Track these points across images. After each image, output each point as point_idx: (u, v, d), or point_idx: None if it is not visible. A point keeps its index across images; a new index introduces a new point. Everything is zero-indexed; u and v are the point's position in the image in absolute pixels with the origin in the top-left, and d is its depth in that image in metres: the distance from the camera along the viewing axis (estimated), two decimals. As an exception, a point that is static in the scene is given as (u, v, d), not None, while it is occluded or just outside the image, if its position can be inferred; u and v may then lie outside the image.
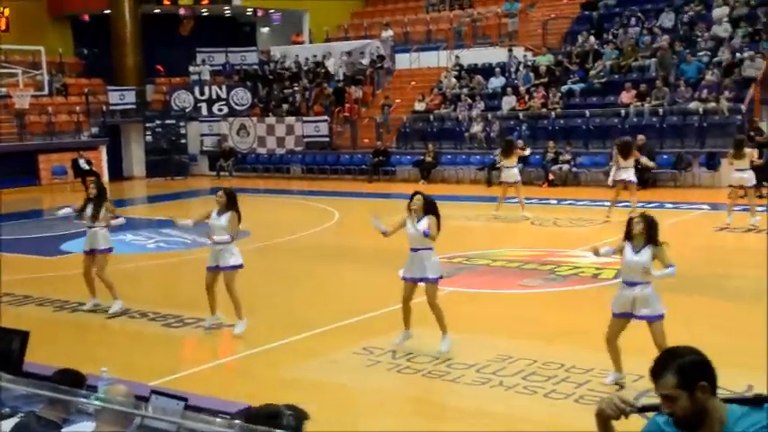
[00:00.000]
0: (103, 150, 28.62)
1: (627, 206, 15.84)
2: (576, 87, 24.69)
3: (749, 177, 14.92)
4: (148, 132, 29.71)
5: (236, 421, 3.43)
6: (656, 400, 3.01)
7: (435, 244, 8.75)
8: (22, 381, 3.74)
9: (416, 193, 8.91)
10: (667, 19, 25.61)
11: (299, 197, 23.53)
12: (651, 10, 26.57)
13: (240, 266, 9.59)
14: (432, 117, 26.46)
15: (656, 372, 2.94)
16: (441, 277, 8.75)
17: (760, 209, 16.46)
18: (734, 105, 21.18)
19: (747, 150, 15.05)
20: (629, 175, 16.14)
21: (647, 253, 7.29)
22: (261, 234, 15.67)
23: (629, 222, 7.49)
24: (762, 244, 14.32)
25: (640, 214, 7.59)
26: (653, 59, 23.93)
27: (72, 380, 4.21)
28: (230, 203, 9.66)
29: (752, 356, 7.97)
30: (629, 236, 7.42)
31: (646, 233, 7.30)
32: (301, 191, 24.88)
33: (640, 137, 21.01)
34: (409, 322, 8.78)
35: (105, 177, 27.84)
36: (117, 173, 29.29)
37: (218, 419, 3.49)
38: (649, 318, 7.34)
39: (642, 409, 3.01)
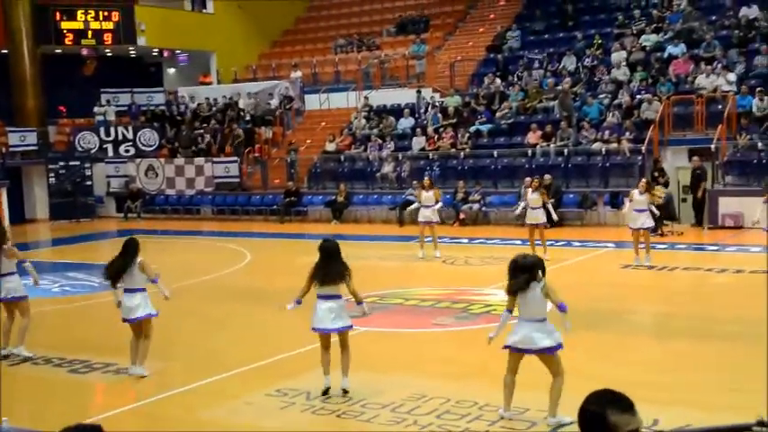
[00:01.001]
0: (3, 193, 27.62)
1: (537, 244, 16.23)
2: (484, 128, 25.26)
3: (646, 220, 15.36)
4: (52, 174, 28.94)
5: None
6: None
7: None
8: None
9: (327, 241, 8.83)
10: (569, 62, 26.56)
11: (210, 238, 23.24)
12: (554, 53, 27.53)
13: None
14: (342, 157, 26.61)
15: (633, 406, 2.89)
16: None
17: (661, 246, 17.11)
18: (635, 146, 22.03)
19: (648, 193, 15.59)
20: (539, 216, 16.42)
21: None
22: (171, 276, 15.32)
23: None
24: (660, 281, 14.86)
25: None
26: (556, 101, 24.73)
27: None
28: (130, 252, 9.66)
29: (659, 390, 8.21)
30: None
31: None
32: (212, 232, 24.58)
33: (547, 176, 21.63)
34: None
35: (6, 221, 26.90)
36: (18, 216, 28.31)
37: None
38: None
39: None
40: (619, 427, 2.83)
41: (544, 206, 16.42)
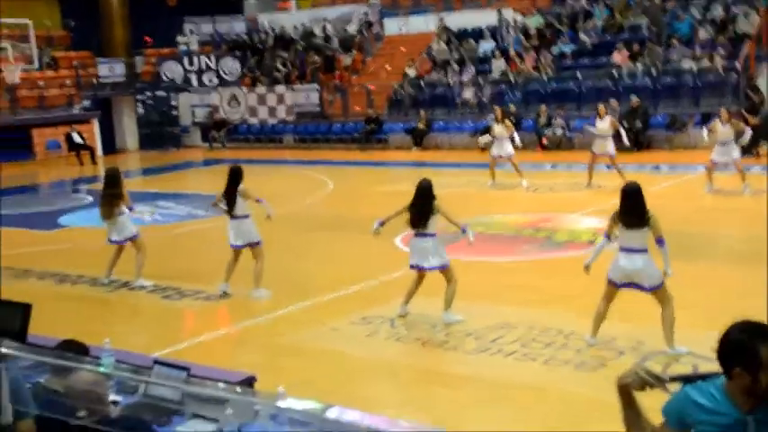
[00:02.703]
0: (96, 123, 28.48)
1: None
2: (567, 49, 24.56)
3: (732, 151, 14.69)
4: (140, 105, 29.59)
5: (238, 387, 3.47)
6: (682, 372, 2.98)
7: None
8: (28, 348, 3.75)
9: (423, 180, 8.81)
10: (658, -24, 25.44)
11: (293, 166, 23.49)
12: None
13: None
14: (423, 83, 26.32)
15: None
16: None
17: (758, 168, 16.48)
18: (728, 63, 21.07)
19: (733, 121, 14.94)
20: (607, 145, 15.91)
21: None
22: (256, 204, 15.62)
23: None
24: (754, 205, 14.36)
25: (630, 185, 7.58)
26: (645, 19, 23.78)
27: (76, 350, 4.20)
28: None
29: (755, 317, 8.02)
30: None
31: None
32: (294, 160, 24.83)
33: (634, 98, 21.00)
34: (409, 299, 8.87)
35: (99, 151, 27.78)
36: (110, 146, 29.19)
37: (221, 384, 3.52)
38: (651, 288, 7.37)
39: (671, 380, 2.93)
40: None
41: (616, 134, 15.96)
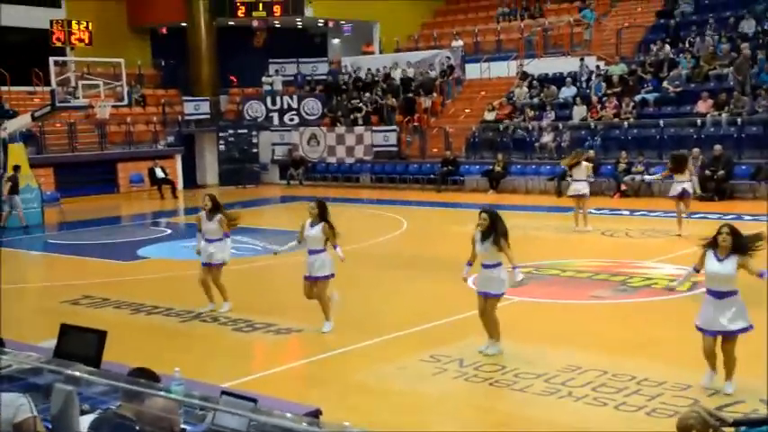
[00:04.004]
0: (178, 159, 29.28)
1: (702, 217, 15.52)
2: (650, 97, 24.26)
3: None
4: (221, 142, 30.29)
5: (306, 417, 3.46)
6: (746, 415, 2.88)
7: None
8: (100, 373, 3.84)
9: (483, 211, 8.86)
10: (747, 26, 24.98)
11: (369, 206, 23.64)
12: (730, 17, 25.96)
13: (331, 276, 9.97)
14: (501, 127, 26.30)
15: None
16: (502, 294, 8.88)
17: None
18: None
19: None
20: (684, 187, 15.72)
21: (732, 262, 7.26)
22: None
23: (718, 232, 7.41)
24: None
25: (727, 225, 7.48)
26: (731, 68, 23.35)
27: (147, 378, 4.29)
28: (322, 214, 9.97)
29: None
30: (713, 245, 7.37)
31: (733, 243, 7.28)
32: (370, 200, 24.99)
33: (717, 147, 20.57)
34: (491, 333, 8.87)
35: (180, 185, 28.50)
36: (191, 181, 29.92)
37: (288, 414, 3.52)
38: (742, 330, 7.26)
39: (735, 424, 2.86)
40: None
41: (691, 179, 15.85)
